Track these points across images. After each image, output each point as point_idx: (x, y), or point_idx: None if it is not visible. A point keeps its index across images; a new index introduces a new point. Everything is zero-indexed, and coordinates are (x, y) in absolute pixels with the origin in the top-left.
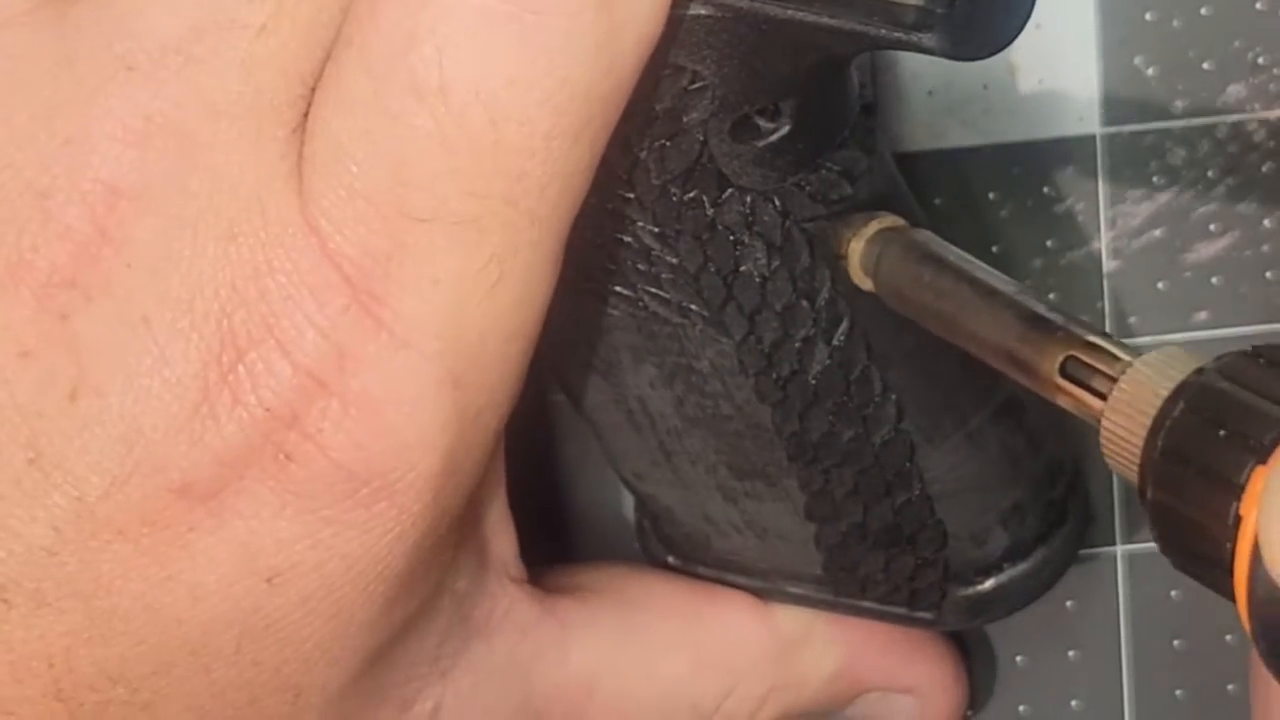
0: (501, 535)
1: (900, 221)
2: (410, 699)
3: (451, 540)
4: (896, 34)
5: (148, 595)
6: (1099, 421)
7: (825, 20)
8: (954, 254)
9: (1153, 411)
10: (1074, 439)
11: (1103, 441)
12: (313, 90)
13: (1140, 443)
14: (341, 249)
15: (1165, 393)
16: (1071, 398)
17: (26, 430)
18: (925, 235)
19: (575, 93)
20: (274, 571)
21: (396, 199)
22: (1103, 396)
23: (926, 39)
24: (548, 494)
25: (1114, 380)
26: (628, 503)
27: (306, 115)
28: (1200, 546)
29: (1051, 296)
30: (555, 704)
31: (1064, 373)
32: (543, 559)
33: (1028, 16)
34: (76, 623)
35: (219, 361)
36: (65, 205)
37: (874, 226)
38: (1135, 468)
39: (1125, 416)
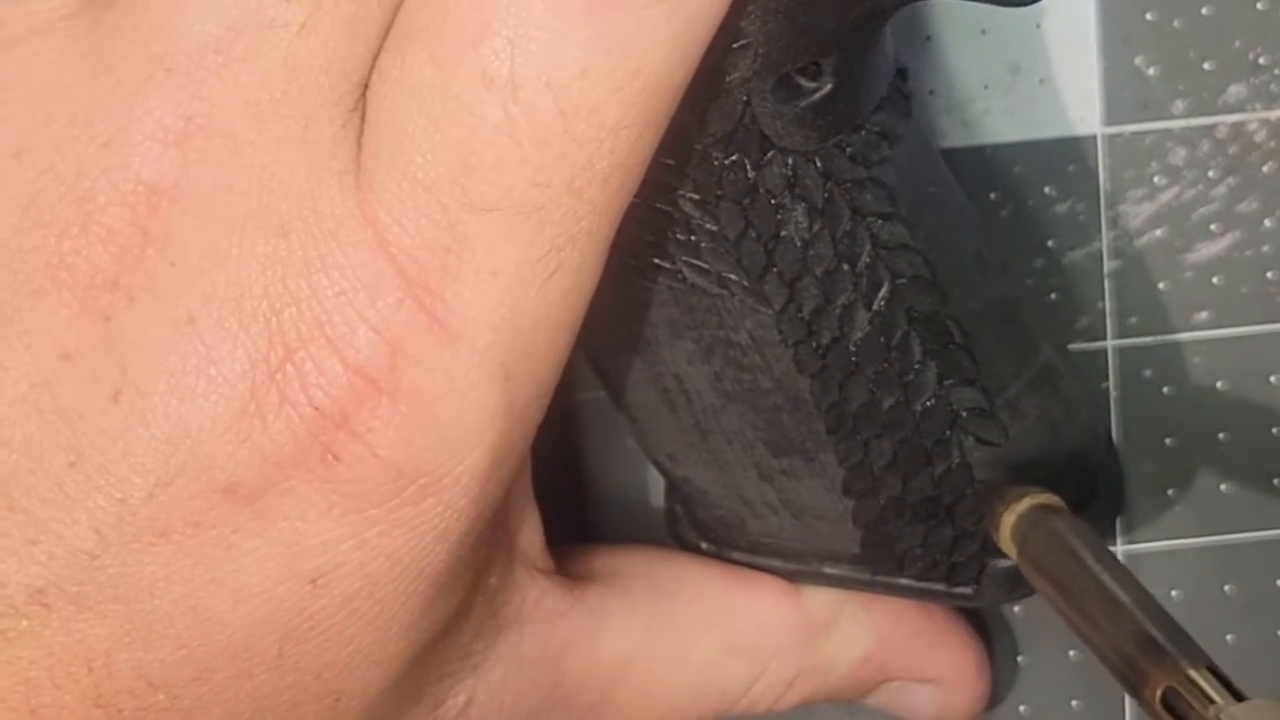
0: (528, 528)
1: (1054, 499)
2: (443, 695)
3: (489, 536)
4: None
5: (191, 598)
6: None
7: None
8: (1094, 550)
9: None
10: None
11: None
12: (358, 86)
13: None
14: (399, 241)
15: None
16: None
17: (68, 433)
18: (1070, 522)
19: (647, 84)
20: (318, 572)
21: (460, 189)
22: None
23: None
24: (574, 483)
25: None
26: (655, 491)
27: (354, 111)
28: None
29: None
30: (584, 689)
31: (1164, 701)
32: (570, 546)
33: None
34: (117, 627)
35: (267, 360)
36: (106, 207)
37: (1027, 502)
38: None
39: None
